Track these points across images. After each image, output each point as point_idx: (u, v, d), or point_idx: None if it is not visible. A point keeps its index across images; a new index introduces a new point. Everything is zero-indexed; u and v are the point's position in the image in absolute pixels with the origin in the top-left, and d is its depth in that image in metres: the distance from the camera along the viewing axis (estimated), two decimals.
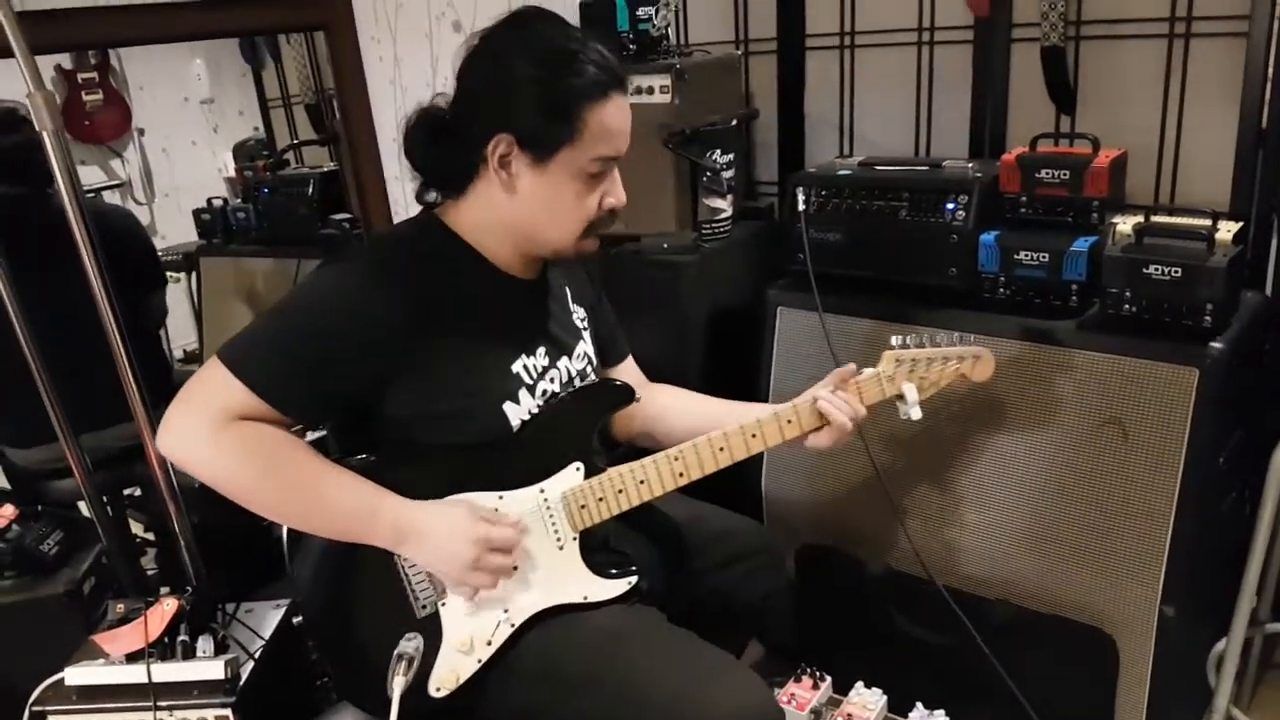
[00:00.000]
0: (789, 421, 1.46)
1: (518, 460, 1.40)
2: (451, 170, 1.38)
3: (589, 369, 1.55)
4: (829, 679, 1.83)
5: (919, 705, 1.76)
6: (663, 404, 1.63)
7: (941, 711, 1.75)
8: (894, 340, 1.52)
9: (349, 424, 1.39)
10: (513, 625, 1.38)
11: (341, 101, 2.44)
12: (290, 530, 1.36)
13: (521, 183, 1.34)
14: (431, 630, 1.37)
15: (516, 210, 1.36)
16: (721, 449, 1.43)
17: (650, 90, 2.06)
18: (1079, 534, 1.72)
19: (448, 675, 1.36)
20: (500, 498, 1.39)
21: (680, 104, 2.06)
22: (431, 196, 1.43)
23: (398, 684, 1.27)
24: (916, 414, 1.52)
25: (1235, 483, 1.75)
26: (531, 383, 1.42)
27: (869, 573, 1.98)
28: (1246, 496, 1.77)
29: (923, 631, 1.93)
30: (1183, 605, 1.65)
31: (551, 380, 1.45)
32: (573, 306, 1.56)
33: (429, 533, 1.31)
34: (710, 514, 1.66)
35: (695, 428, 1.47)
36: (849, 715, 1.75)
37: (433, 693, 1.36)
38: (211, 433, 1.25)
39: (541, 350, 1.45)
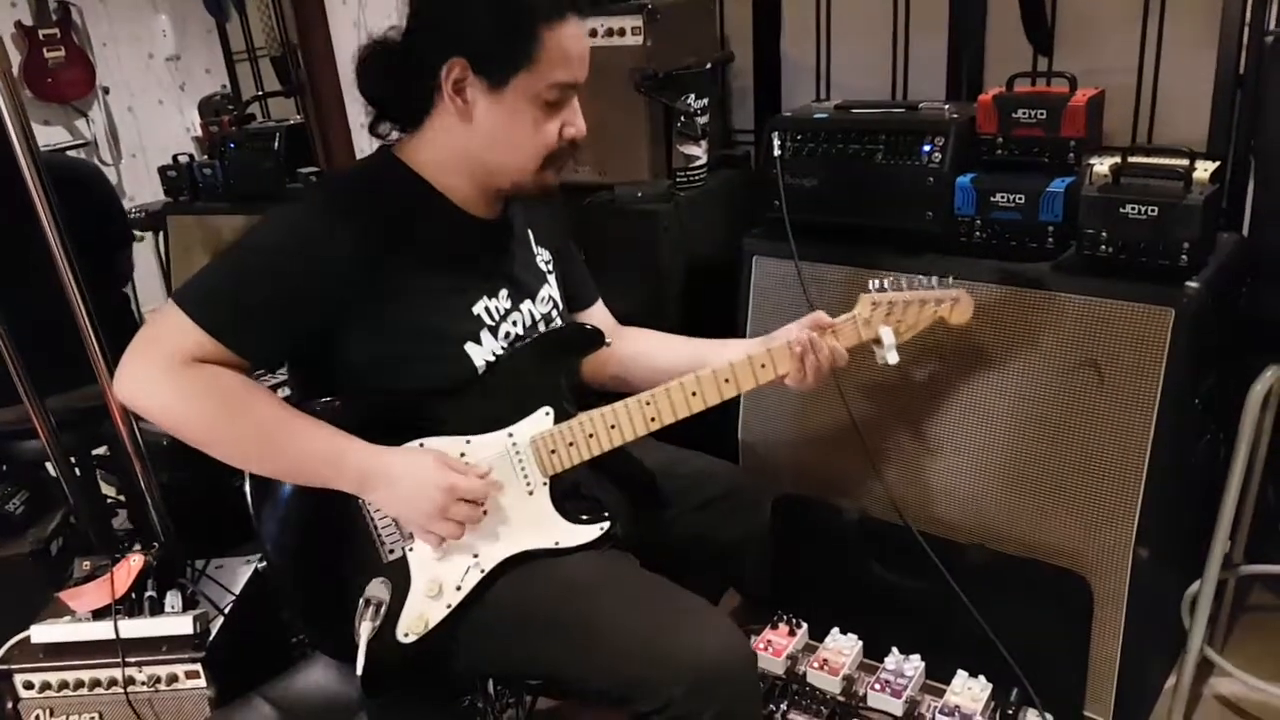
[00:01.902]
0: (763, 366, 1.43)
1: (485, 404, 1.37)
2: (406, 102, 1.35)
3: (554, 313, 1.52)
4: (805, 626, 1.84)
5: (894, 650, 1.76)
6: (636, 347, 1.61)
7: (917, 656, 1.75)
8: (871, 284, 1.48)
9: (310, 368, 1.36)
10: (482, 571, 1.36)
11: (304, 48, 2.38)
12: (254, 476, 1.33)
13: (477, 110, 1.30)
14: (399, 575, 1.35)
15: (473, 140, 1.32)
16: (694, 393, 1.41)
17: (621, 32, 2.01)
18: (1053, 477, 1.72)
19: (416, 621, 1.35)
20: (467, 442, 1.36)
21: (652, 46, 2.02)
22: (385, 130, 1.40)
23: (364, 629, 1.25)
24: (894, 358, 1.48)
25: (1210, 424, 1.75)
26: (494, 324, 1.39)
27: (845, 520, 1.98)
28: (1221, 438, 1.77)
29: (898, 577, 1.94)
30: (1157, 547, 1.66)
31: (514, 323, 1.43)
32: (536, 249, 1.53)
33: (395, 479, 1.29)
34: (684, 458, 1.64)
35: (671, 369, 1.45)
36: (825, 661, 1.76)
37: (401, 638, 1.35)
38: (168, 376, 1.22)
39: (504, 292, 1.42)
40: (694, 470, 1.63)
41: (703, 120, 2.08)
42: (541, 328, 1.47)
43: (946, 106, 1.88)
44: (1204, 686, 1.95)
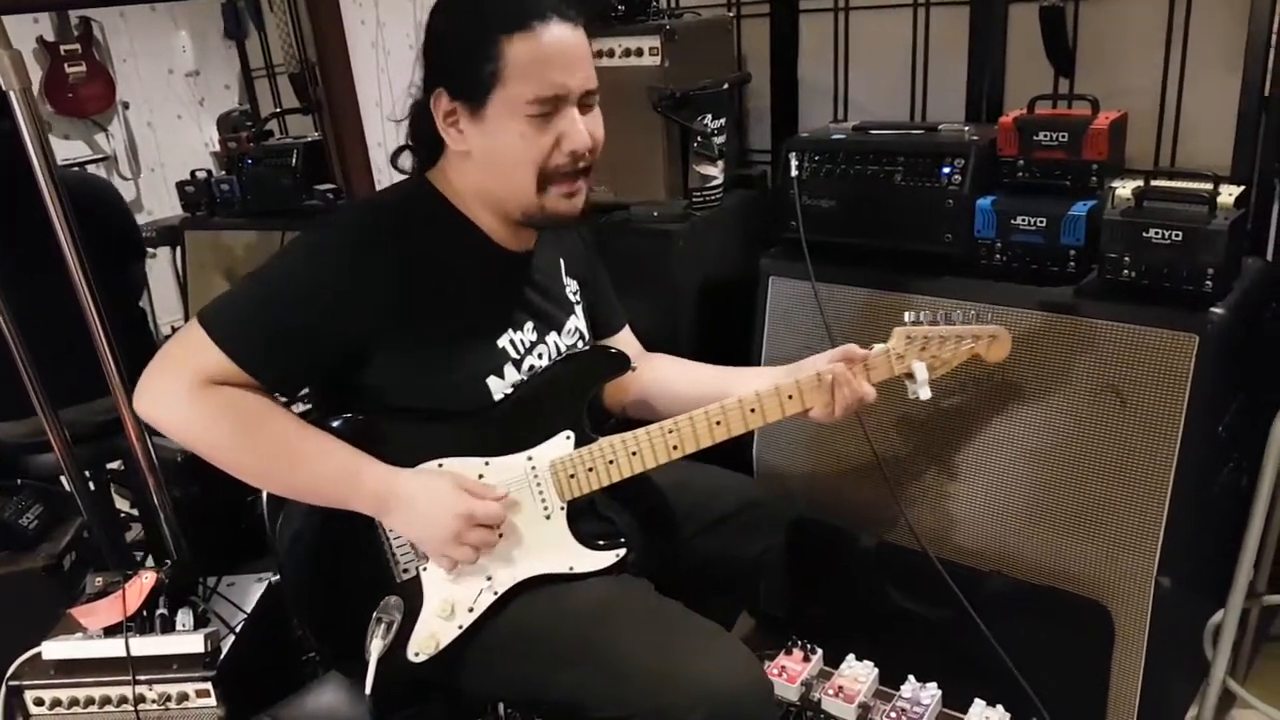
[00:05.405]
0: (790, 397, 1.40)
1: (506, 427, 1.36)
2: (427, 147, 1.36)
3: (579, 345, 1.51)
4: (820, 652, 1.81)
5: (911, 678, 1.73)
6: (661, 374, 1.59)
7: (934, 684, 1.72)
8: (906, 316, 1.45)
9: (330, 387, 1.35)
10: (495, 593, 1.35)
11: (323, 66, 2.39)
12: (271, 493, 1.33)
13: (470, 139, 1.29)
14: (411, 595, 1.34)
15: (476, 170, 1.31)
16: (718, 422, 1.39)
17: (639, 52, 2.02)
18: (1074, 504, 1.70)
19: (427, 641, 1.34)
20: (486, 464, 1.35)
21: (670, 66, 2.02)
22: (403, 161, 1.40)
23: (375, 647, 1.25)
24: (925, 394, 1.45)
25: (1234, 452, 1.73)
26: (518, 358, 1.38)
27: (862, 545, 1.96)
28: (1245, 466, 1.75)
29: (915, 604, 1.91)
30: (1179, 576, 1.63)
31: (539, 356, 1.42)
32: (566, 280, 1.52)
33: (411, 502, 1.28)
34: (698, 474, 1.61)
35: (695, 397, 1.43)
36: (840, 688, 1.73)
37: (411, 658, 1.34)
38: (188, 395, 1.22)
39: (529, 325, 1.41)
40: (707, 485, 1.61)
41: (719, 140, 2.08)
42: None
43: (966, 128, 1.88)
44: (1226, 718, 1.92)
